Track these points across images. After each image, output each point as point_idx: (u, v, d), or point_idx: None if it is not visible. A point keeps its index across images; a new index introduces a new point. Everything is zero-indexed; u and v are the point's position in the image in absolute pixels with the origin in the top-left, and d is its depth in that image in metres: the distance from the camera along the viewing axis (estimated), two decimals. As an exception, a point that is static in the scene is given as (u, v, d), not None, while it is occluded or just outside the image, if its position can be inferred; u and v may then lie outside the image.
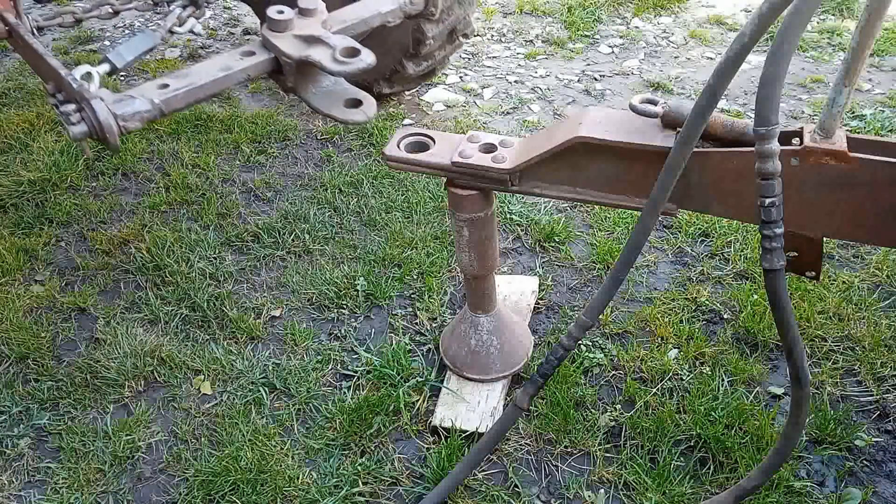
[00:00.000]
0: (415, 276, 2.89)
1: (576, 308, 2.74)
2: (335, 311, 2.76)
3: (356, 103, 2.21)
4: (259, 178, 3.51)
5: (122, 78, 4.53)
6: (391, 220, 3.17)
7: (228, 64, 2.22)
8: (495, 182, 1.95)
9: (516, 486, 2.15)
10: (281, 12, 2.24)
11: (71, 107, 2.02)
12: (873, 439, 2.22)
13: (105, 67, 2.38)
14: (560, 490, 2.14)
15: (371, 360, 2.52)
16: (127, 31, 5.20)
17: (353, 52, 2.10)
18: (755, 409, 2.29)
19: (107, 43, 5.05)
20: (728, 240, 2.99)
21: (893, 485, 2.11)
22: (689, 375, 2.43)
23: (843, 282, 2.76)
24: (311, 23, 2.28)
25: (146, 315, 2.76)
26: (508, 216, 3.19)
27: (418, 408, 2.37)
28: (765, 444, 2.18)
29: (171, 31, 2.70)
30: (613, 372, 2.47)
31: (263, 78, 2.32)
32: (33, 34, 2.60)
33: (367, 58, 2.08)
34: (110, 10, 2.84)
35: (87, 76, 2.21)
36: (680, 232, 3.07)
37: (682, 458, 2.18)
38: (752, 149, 1.40)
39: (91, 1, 2.89)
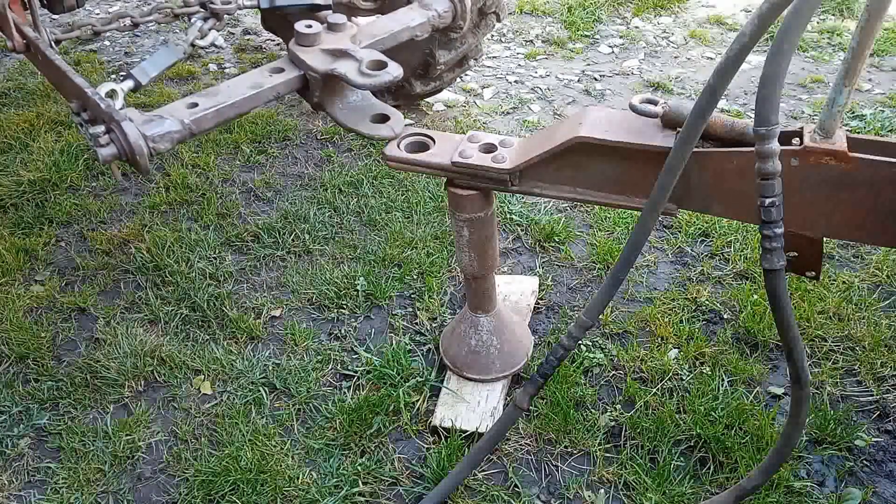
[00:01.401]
0: (415, 276, 2.89)
1: (576, 308, 2.74)
2: (335, 311, 2.76)
3: (383, 118, 2.17)
4: (259, 178, 3.51)
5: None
6: (391, 220, 3.17)
7: (258, 81, 2.18)
8: (495, 182, 1.96)
9: (516, 486, 2.15)
10: (309, 27, 2.22)
11: (100, 129, 1.97)
12: (873, 439, 2.22)
13: (129, 84, 2.33)
14: (560, 490, 2.14)
15: (371, 360, 2.52)
16: (127, 33, 5.20)
17: (379, 65, 2.08)
18: (755, 409, 2.29)
19: (107, 44, 5.04)
20: (728, 240, 2.99)
21: (893, 485, 2.11)
22: (689, 375, 2.43)
23: (843, 282, 2.76)
24: (340, 37, 2.25)
25: (146, 315, 2.76)
26: (508, 216, 3.19)
27: (418, 408, 2.37)
28: (765, 444, 2.18)
29: (192, 45, 2.66)
30: (613, 372, 2.47)
31: (292, 93, 2.30)
32: (51, 46, 2.56)
33: (394, 70, 2.05)
34: (129, 23, 2.81)
35: (112, 94, 2.16)
36: (680, 232, 3.07)
37: (682, 458, 2.18)
38: (752, 149, 1.40)
39: (110, 13, 2.86)
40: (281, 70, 2.23)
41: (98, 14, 5.44)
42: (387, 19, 2.51)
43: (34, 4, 2.64)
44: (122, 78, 2.37)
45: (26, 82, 4.40)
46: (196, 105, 2.10)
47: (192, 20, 2.72)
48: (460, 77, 3.95)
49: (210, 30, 2.72)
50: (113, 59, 4.78)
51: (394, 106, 3.90)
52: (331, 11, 2.59)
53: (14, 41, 2.57)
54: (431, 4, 2.61)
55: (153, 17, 2.82)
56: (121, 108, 2.08)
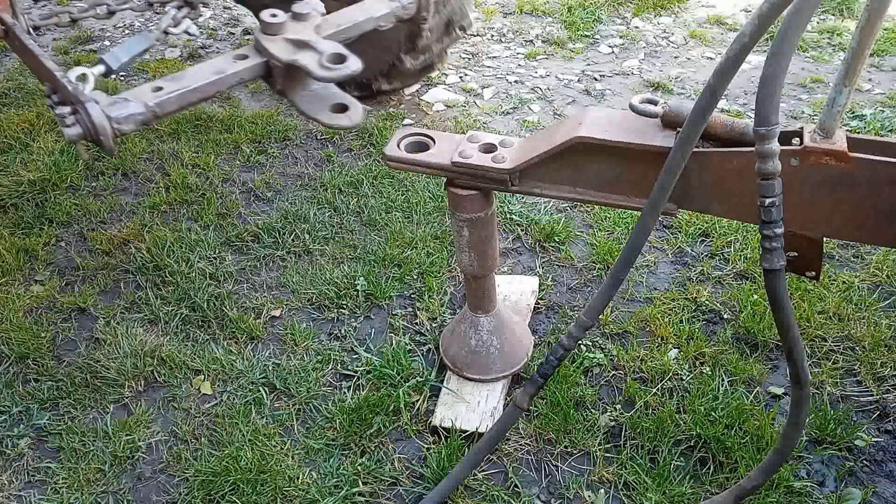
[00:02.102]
0: (415, 276, 2.89)
1: (576, 308, 2.74)
2: (335, 311, 2.76)
3: (342, 108, 2.24)
4: (259, 178, 3.51)
5: (122, 78, 4.53)
6: (391, 220, 3.17)
7: (222, 67, 2.24)
8: (495, 182, 1.95)
9: (516, 486, 2.15)
10: (274, 16, 2.28)
11: (66, 109, 2.04)
12: (873, 439, 2.22)
13: (100, 69, 2.40)
14: (560, 490, 2.14)
15: (371, 360, 2.52)
16: (127, 32, 5.20)
17: (339, 59, 2.14)
18: (755, 409, 2.29)
19: (107, 43, 5.04)
20: (728, 240, 2.99)
21: (893, 485, 2.11)
22: (689, 375, 2.43)
23: (843, 282, 2.76)
24: (304, 27, 2.32)
25: (146, 315, 2.76)
26: (508, 216, 3.19)
27: (418, 408, 2.37)
28: (765, 444, 2.18)
29: (166, 32, 2.72)
30: (613, 372, 2.47)
31: (256, 80, 2.36)
32: (30, 34, 2.61)
33: (353, 65, 2.12)
34: (106, 11, 2.85)
35: (83, 77, 2.23)
36: (680, 232, 3.07)
37: (682, 458, 2.18)
38: (753, 149, 1.40)
39: (87, 0, 2.90)
40: (245, 57, 2.29)
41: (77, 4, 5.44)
42: (352, 10, 2.57)
43: None
44: (93, 63, 2.43)
45: (26, 82, 4.40)
46: (161, 89, 2.16)
47: (166, 8, 2.77)
48: (450, 48, 4.04)
49: (184, 18, 2.77)
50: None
51: (391, 88, 3.99)
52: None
53: None
54: None
55: (129, 4, 2.88)
56: (89, 91, 2.14)
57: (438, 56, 3.90)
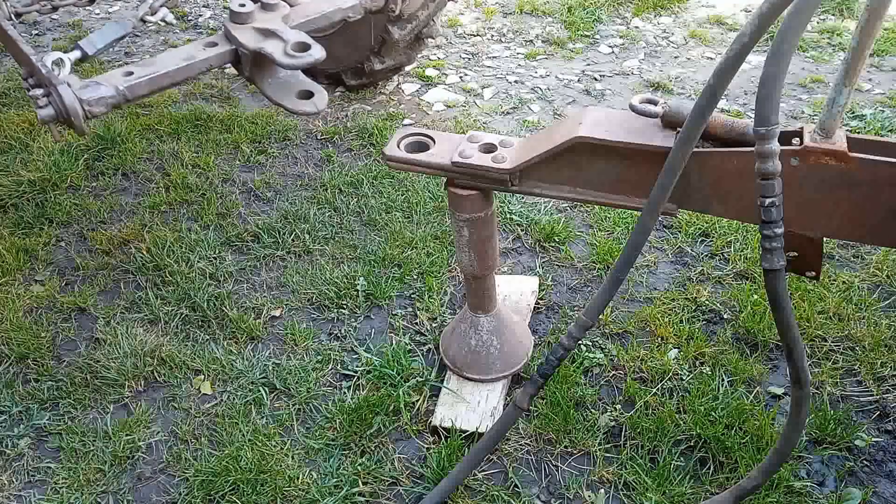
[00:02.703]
0: (415, 276, 2.89)
1: (576, 308, 2.74)
2: (335, 311, 2.76)
3: (308, 95, 2.34)
4: (259, 178, 3.51)
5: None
6: (391, 220, 3.17)
7: (192, 54, 2.34)
8: (495, 182, 1.95)
9: (516, 486, 2.15)
10: (243, 5, 2.37)
11: (39, 91, 2.14)
12: (873, 439, 2.22)
13: (76, 54, 2.48)
14: (560, 490, 2.14)
15: (371, 360, 2.52)
16: (80, 3, 5.20)
17: (303, 48, 2.23)
18: (755, 409, 2.29)
19: (107, 43, 5.04)
20: (728, 240, 2.99)
21: (893, 485, 2.11)
22: (689, 375, 2.43)
23: (843, 282, 2.76)
24: (272, 17, 2.42)
25: (146, 315, 2.76)
26: (508, 216, 3.19)
27: (418, 408, 2.37)
28: (765, 444, 2.18)
29: (143, 20, 2.78)
30: (613, 372, 2.47)
31: (224, 66, 2.44)
32: (11, 20, 2.67)
33: (317, 53, 2.21)
34: None
35: (59, 62, 2.30)
36: (680, 232, 3.07)
37: (682, 458, 2.18)
38: (753, 149, 1.40)
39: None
40: (215, 45, 2.39)
41: (98, 14, 5.44)
42: (320, 0, 2.62)
43: None
44: (69, 49, 2.49)
45: (26, 82, 4.40)
46: (132, 74, 2.24)
47: None
48: (420, 54, 4.21)
49: (161, 6, 2.81)
50: (114, 59, 4.78)
51: (359, 84, 4.09)
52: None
53: None
54: None
55: None
56: (63, 76, 2.21)
57: (407, 61, 4.07)
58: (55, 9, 2.93)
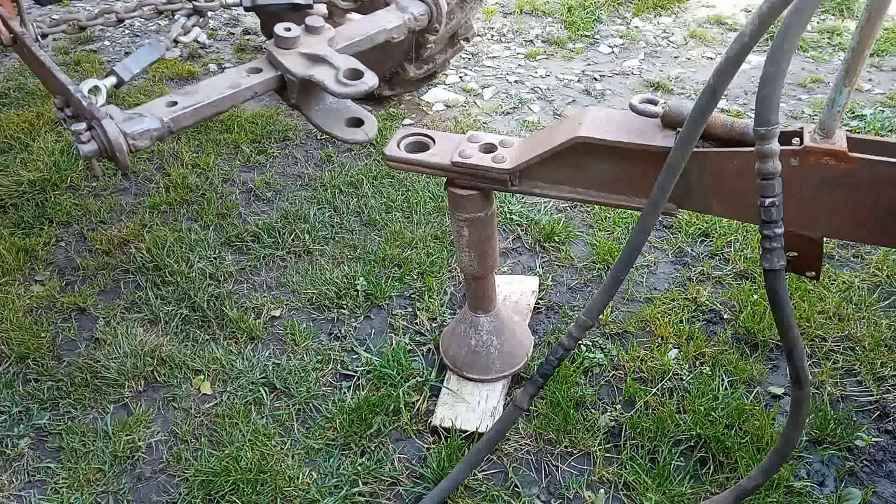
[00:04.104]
0: (415, 276, 2.89)
1: (576, 308, 2.74)
2: (335, 311, 2.76)
3: (357, 122, 2.22)
4: (259, 178, 3.51)
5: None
6: (391, 220, 3.17)
7: (236, 81, 2.23)
8: (495, 182, 1.95)
9: (516, 486, 2.15)
10: (288, 30, 2.25)
11: (82, 126, 2.01)
12: (873, 439, 2.22)
13: (112, 80, 2.38)
14: (560, 490, 2.14)
15: (371, 360, 2.52)
16: (127, 32, 5.20)
17: (356, 75, 2.12)
18: (755, 409, 2.29)
19: (107, 43, 5.05)
20: (728, 240, 2.99)
21: (893, 485, 2.11)
22: (689, 375, 2.43)
23: (843, 282, 2.76)
24: (317, 40, 2.29)
25: (146, 315, 2.76)
26: (508, 216, 3.19)
27: (418, 408, 2.37)
28: (765, 444, 2.18)
29: (175, 41, 2.70)
30: (613, 372, 2.47)
31: (269, 93, 2.35)
32: (38, 41, 2.59)
33: (370, 80, 2.10)
34: (115, 19, 2.83)
35: (95, 90, 2.21)
36: (680, 232, 3.07)
37: (682, 458, 2.18)
38: (753, 149, 1.40)
39: (96, 7, 2.88)
40: (259, 70, 2.29)
41: (85, 8, 5.44)
42: (364, 21, 2.54)
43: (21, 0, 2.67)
44: (104, 75, 2.41)
45: (26, 82, 4.40)
46: (175, 103, 2.15)
47: (175, 17, 2.74)
48: (454, 58, 4.06)
49: (193, 26, 2.75)
50: (113, 59, 4.78)
51: (392, 94, 3.98)
52: (312, 11, 2.61)
53: (1, 35, 2.59)
54: (408, 7, 2.64)
55: (137, 12, 2.85)
56: (102, 105, 2.12)
57: (441, 66, 3.93)
58: (83, 29, 2.83)
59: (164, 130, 2.09)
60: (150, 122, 2.07)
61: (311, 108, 2.32)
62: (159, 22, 2.97)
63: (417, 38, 3.53)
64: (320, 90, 2.22)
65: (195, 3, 2.75)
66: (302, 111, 2.32)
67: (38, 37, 2.66)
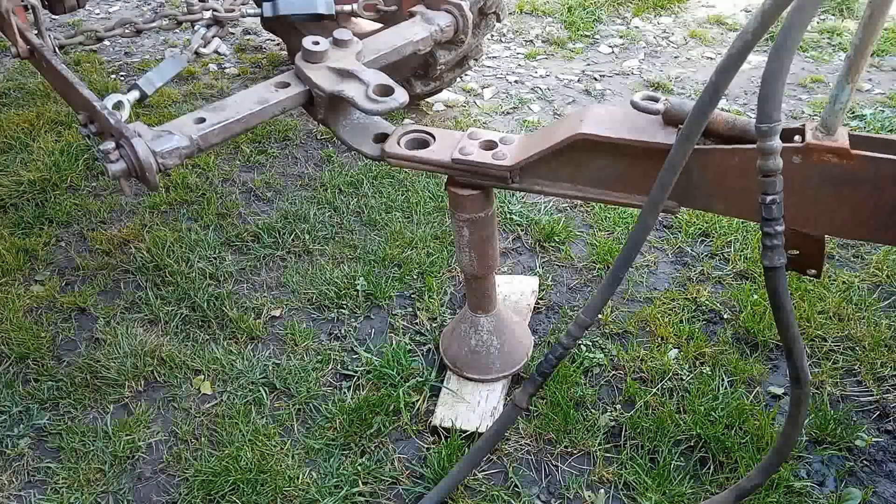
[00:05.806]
0: (415, 276, 2.88)
1: (576, 308, 2.74)
2: (335, 311, 2.76)
3: (384, 138, 2.18)
4: (259, 178, 3.50)
5: (122, 79, 4.53)
6: (391, 220, 3.16)
7: (264, 96, 2.18)
8: (495, 179, 1.95)
9: (516, 486, 2.14)
10: (317, 43, 2.21)
11: (110, 145, 1.96)
12: (873, 439, 2.22)
13: (135, 95, 2.35)
14: (560, 490, 2.14)
15: (371, 360, 2.51)
16: (126, 34, 5.19)
17: (386, 91, 2.08)
18: (755, 409, 2.29)
19: (106, 43, 5.04)
20: (728, 240, 2.99)
21: (893, 485, 2.11)
22: (689, 375, 2.42)
23: (843, 282, 2.76)
24: (345, 54, 2.24)
25: (146, 315, 2.75)
26: (508, 216, 3.18)
27: (418, 408, 2.37)
28: (765, 444, 2.17)
29: (196, 53, 2.66)
30: (613, 372, 2.47)
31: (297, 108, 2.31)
32: (55, 53, 2.55)
33: (400, 97, 2.04)
34: (133, 30, 2.79)
35: (118, 105, 2.18)
36: (680, 232, 3.07)
37: (682, 458, 2.18)
38: (754, 146, 1.39)
39: (115, 19, 2.86)
40: (287, 85, 2.23)
41: (98, 14, 5.44)
42: (390, 34, 2.51)
43: (38, 10, 2.62)
44: (127, 89, 2.38)
45: (26, 82, 4.40)
46: (203, 120, 2.10)
47: (195, 27, 2.72)
48: (460, 77, 3.98)
49: (213, 37, 2.71)
50: (113, 59, 4.78)
51: None
52: (335, 22, 2.57)
53: (18, 47, 2.56)
54: (434, 19, 2.62)
55: (156, 23, 2.81)
56: (126, 120, 2.08)
57: (447, 84, 3.90)
58: (100, 39, 2.78)
59: (192, 148, 2.04)
60: (180, 140, 2.02)
61: (339, 124, 2.25)
62: (190, 42, 2.97)
63: (427, 58, 3.49)
64: (347, 105, 2.17)
65: (215, 13, 2.72)
66: (329, 127, 2.27)
67: (56, 48, 2.61)
